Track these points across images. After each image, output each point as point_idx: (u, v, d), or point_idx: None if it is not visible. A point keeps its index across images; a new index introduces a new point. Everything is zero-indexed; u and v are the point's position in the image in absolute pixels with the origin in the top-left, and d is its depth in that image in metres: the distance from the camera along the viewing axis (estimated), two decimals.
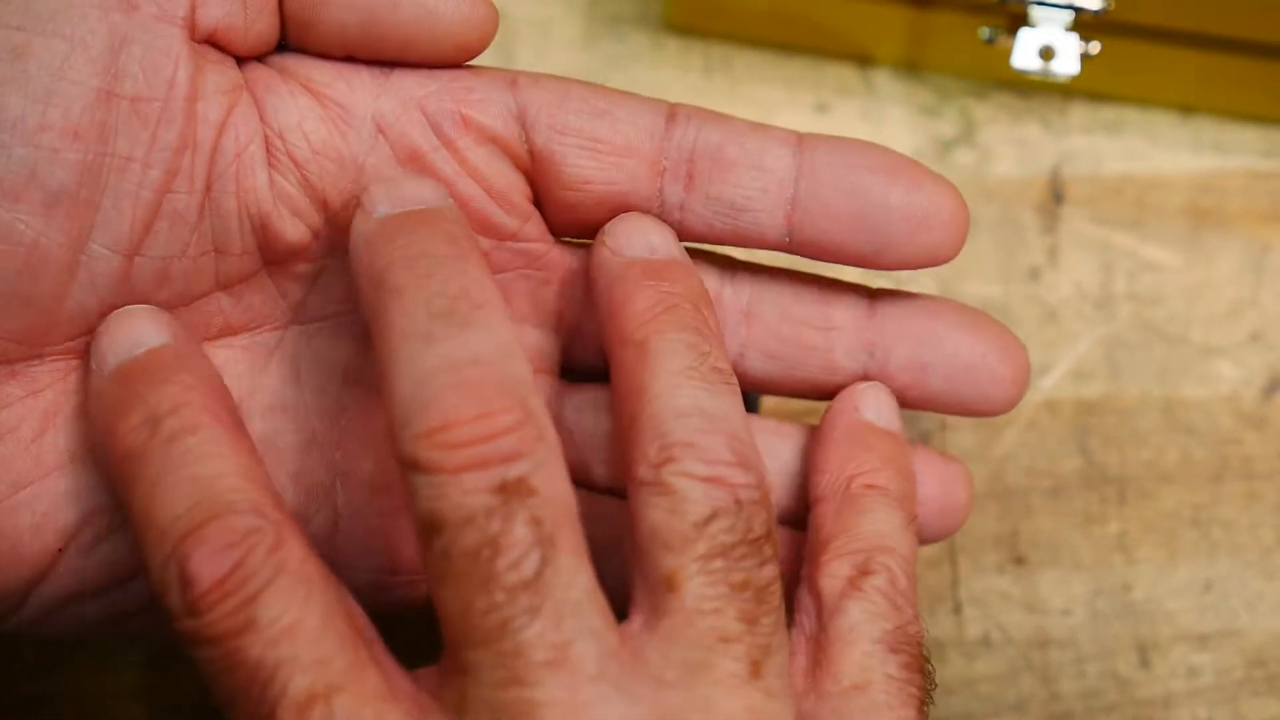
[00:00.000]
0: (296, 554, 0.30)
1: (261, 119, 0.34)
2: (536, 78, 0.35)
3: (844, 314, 0.37)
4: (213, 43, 0.33)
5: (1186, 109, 0.47)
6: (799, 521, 0.37)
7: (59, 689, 0.42)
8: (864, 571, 0.34)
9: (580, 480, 0.36)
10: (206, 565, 0.29)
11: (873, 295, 0.37)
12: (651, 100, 0.36)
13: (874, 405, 0.36)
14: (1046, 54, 0.44)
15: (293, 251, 0.35)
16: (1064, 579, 0.43)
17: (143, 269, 0.33)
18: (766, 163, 0.35)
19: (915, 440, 0.42)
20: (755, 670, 0.30)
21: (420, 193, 0.33)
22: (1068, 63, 0.44)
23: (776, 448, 0.37)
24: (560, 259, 0.36)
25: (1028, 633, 0.43)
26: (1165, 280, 0.46)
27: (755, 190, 0.35)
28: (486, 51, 0.35)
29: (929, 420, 0.45)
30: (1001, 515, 0.44)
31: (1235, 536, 0.44)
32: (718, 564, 0.31)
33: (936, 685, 0.34)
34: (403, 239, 0.31)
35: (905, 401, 0.37)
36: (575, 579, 0.30)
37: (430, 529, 0.29)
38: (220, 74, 0.33)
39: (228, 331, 0.35)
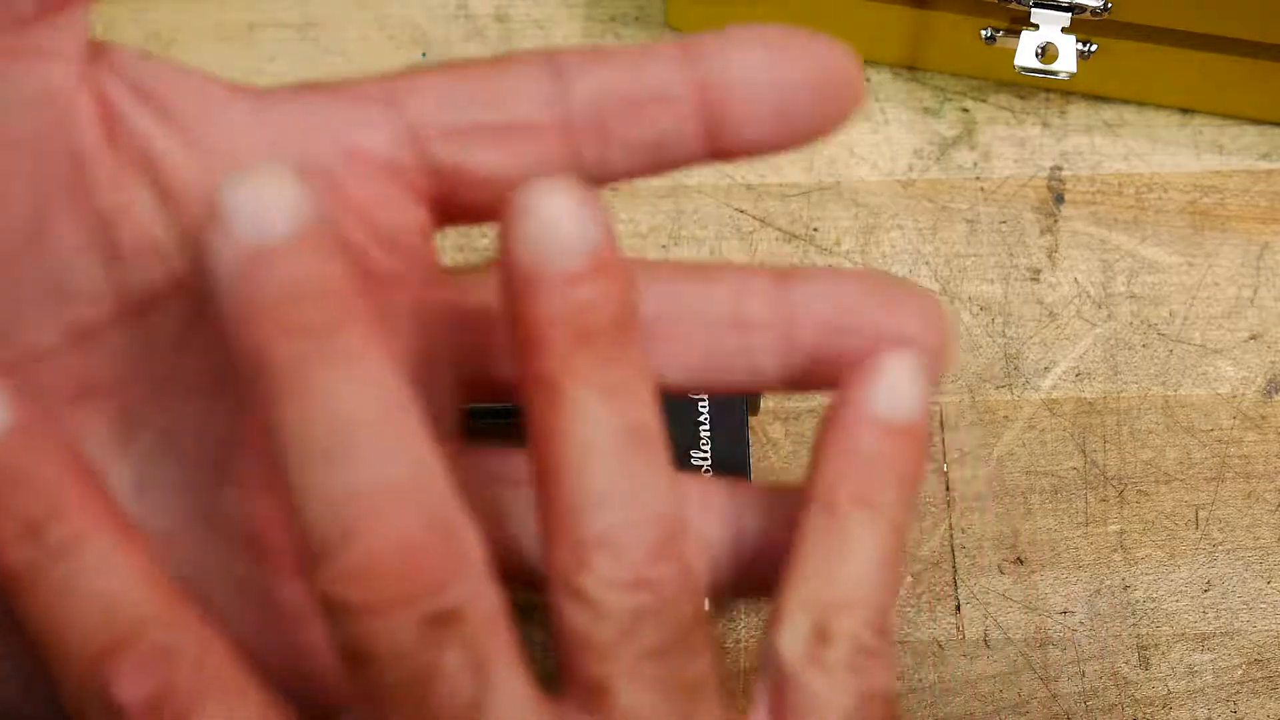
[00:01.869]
0: (223, 661, 0.28)
1: (109, 133, 0.30)
2: (413, 81, 0.32)
3: (758, 307, 0.33)
4: None
5: (1186, 109, 0.47)
6: (742, 588, 0.34)
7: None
8: (824, 637, 0.31)
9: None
10: (129, 690, 0.28)
11: (781, 277, 0.34)
12: (531, 61, 0.32)
13: (888, 390, 0.32)
14: (1046, 54, 0.44)
15: (153, 297, 0.31)
16: (1063, 579, 0.43)
17: None
18: (670, 90, 0.32)
19: None
20: None
21: (289, 204, 0.28)
22: (1067, 62, 0.44)
23: (710, 516, 0.34)
24: (451, 294, 0.34)
25: (1027, 633, 0.43)
26: (1165, 280, 0.46)
27: (669, 121, 0.32)
28: (487, 51, 0.35)
29: (928, 422, 0.45)
30: (1001, 515, 0.44)
31: (1235, 536, 0.44)
32: (648, 669, 0.29)
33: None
34: (280, 295, 0.28)
35: (833, 385, 0.34)
36: (513, 692, 0.28)
37: (357, 662, 0.28)
38: (23, 81, 0.30)
39: (83, 394, 0.32)
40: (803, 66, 0.33)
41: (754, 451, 0.45)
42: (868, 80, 0.47)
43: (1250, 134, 0.47)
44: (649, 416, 0.30)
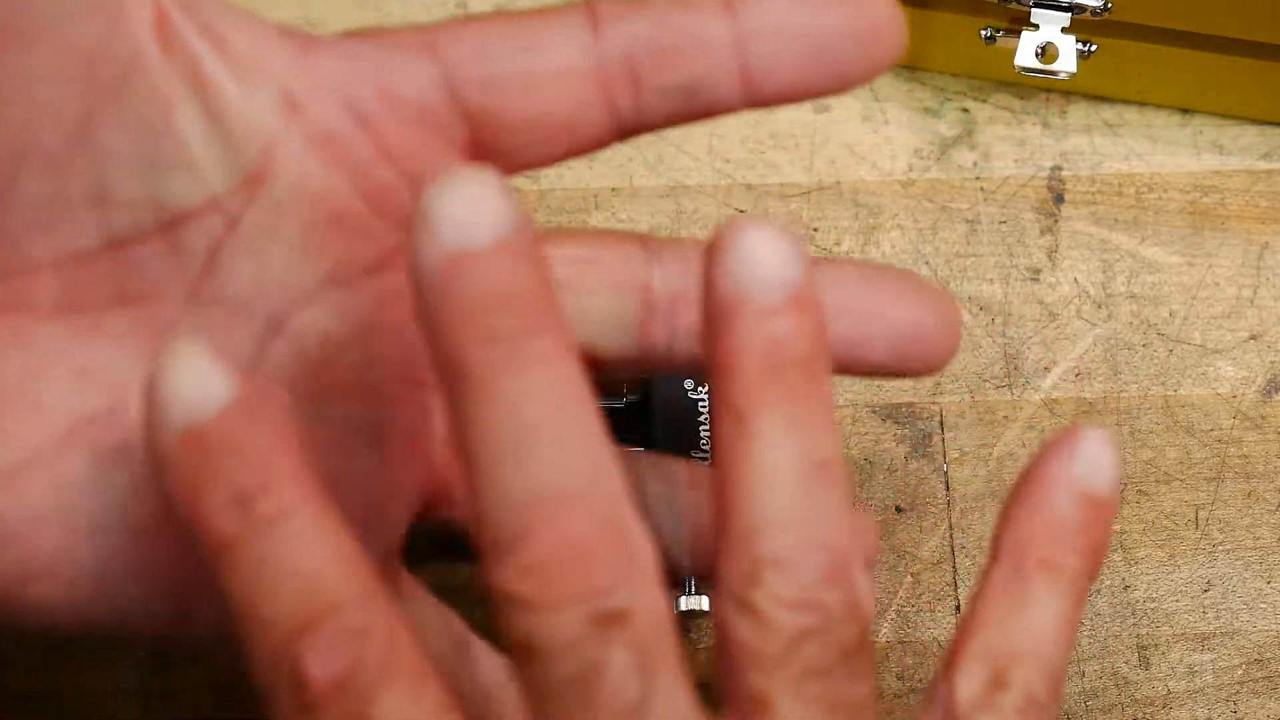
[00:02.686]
0: (408, 649, 0.29)
1: (163, 45, 0.31)
2: (454, 31, 0.33)
3: None
4: None
5: (1186, 109, 0.47)
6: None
7: (59, 689, 0.42)
8: (999, 685, 0.32)
9: None
10: (321, 666, 0.28)
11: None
12: (568, 11, 0.33)
13: (1085, 458, 0.33)
14: (1046, 54, 0.44)
15: (187, 213, 0.32)
16: None
17: (17, 212, 0.31)
18: (704, 35, 0.33)
19: (914, 440, 0.42)
20: None
21: (490, 211, 0.29)
22: (1067, 62, 0.44)
23: None
24: None
25: None
26: (1165, 280, 0.46)
27: (704, 67, 0.33)
28: None
29: (929, 422, 0.45)
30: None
31: (1235, 536, 0.44)
32: (810, 686, 0.30)
33: None
34: (476, 300, 0.29)
35: (842, 370, 0.36)
36: (678, 698, 0.29)
37: (526, 655, 0.29)
38: None
39: (119, 301, 0.33)
40: (841, 12, 0.33)
41: None
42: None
43: (1250, 134, 0.47)
44: (832, 452, 0.31)
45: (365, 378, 0.34)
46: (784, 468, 0.30)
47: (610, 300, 0.35)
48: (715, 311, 0.31)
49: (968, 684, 0.32)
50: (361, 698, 0.28)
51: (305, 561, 0.29)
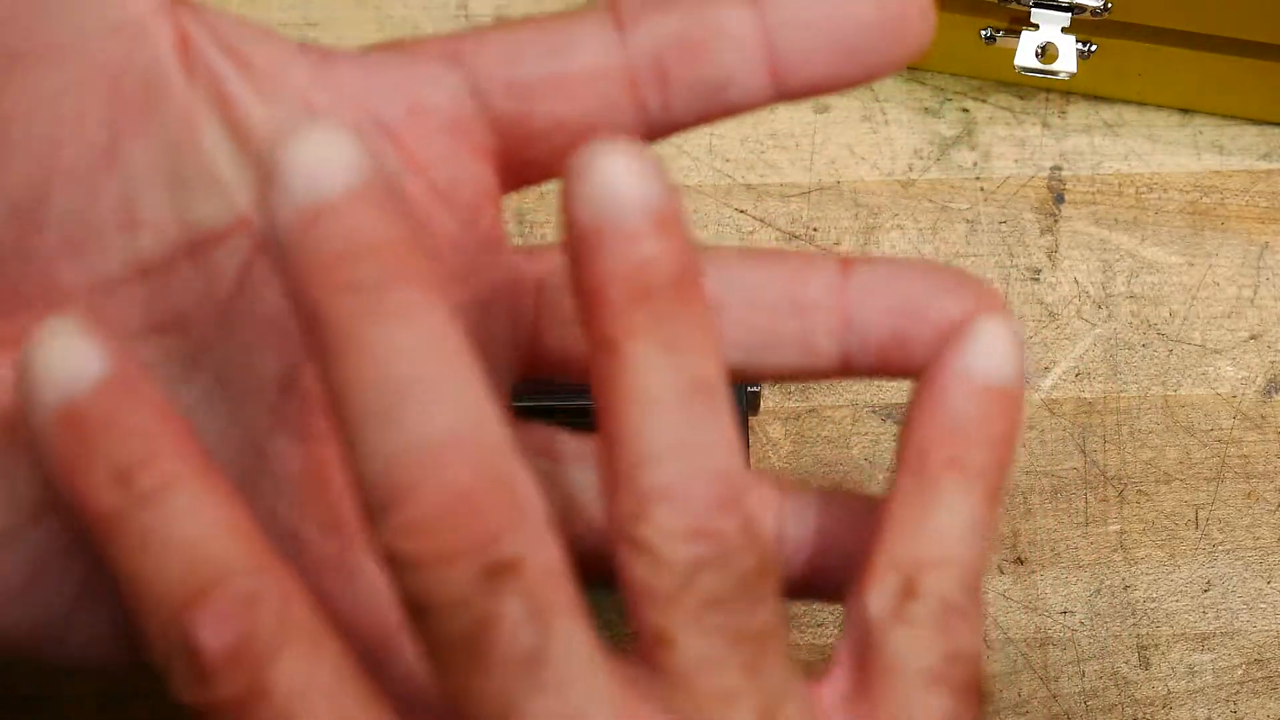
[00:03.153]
0: (303, 611, 0.28)
1: (185, 64, 0.31)
2: (478, 38, 0.33)
3: (818, 291, 0.34)
4: None
5: (1186, 109, 0.47)
6: (811, 591, 0.35)
7: (59, 689, 0.42)
8: (910, 594, 0.31)
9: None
10: (213, 635, 0.28)
11: (844, 264, 0.34)
12: (593, 12, 0.33)
13: (982, 350, 0.32)
14: (1046, 54, 0.44)
15: (215, 234, 0.32)
16: (1064, 579, 0.43)
17: (44, 240, 0.31)
18: (731, 29, 0.33)
19: None
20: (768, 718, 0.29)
21: (344, 160, 0.28)
22: (1067, 62, 0.44)
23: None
24: (517, 262, 0.34)
25: (1027, 632, 0.43)
26: (1165, 280, 0.46)
27: (732, 61, 0.33)
28: None
29: None
30: (1001, 515, 0.44)
31: (1235, 536, 0.44)
32: (711, 618, 0.29)
33: (992, 701, 0.33)
34: (335, 251, 0.28)
35: (889, 371, 0.34)
36: (576, 643, 0.28)
37: (419, 614, 0.28)
38: (106, 7, 0.31)
39: (150, 329, 0.33)
40: (868, 2, 0.33)
41: (754, 451, 0.45)
42: None
43: (1250, 134, 0.47)
44: (711, 371, 0.30)
45: None
46: (661, 392, 0.29)
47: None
48: (576, 241, 0.30)
49: (878, 597, 0.31)
50: (257, 664, 0.28)
51: (190, 531, 0.28)
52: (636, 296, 0.30)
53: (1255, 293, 0.46)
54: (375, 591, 0.33)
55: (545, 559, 0.28)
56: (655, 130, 0.34)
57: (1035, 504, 0.44)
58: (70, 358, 0.29)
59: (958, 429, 0.32)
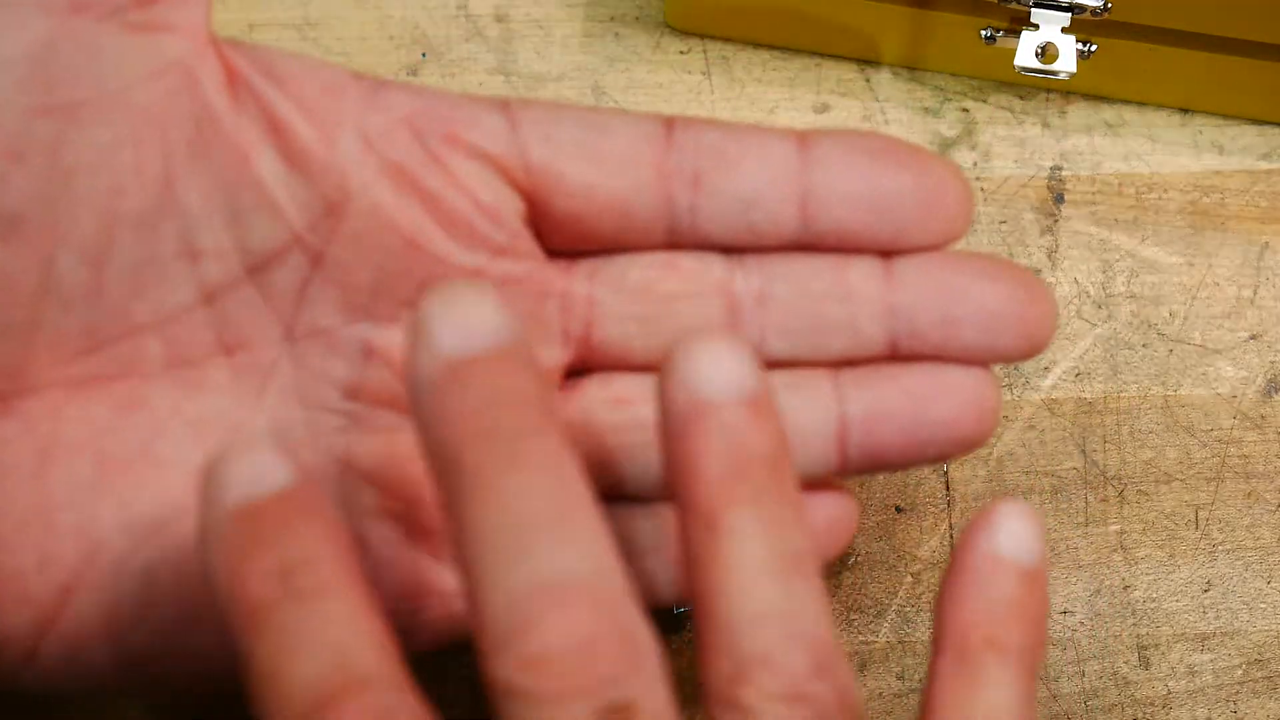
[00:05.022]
0: None
1: (233, 97, 0.33)
2: (527, 101, 0.35)
3: (862, 280, 0.36)
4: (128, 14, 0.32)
5: (1186, 109, 0.47)
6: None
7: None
8: None
9: (607, 484, 0.36)
10: None
11: (887, 257, 0.36)
12: (647, 114, 0.35)
13: (1008, 534, 0.33)
14: (1046, 54, 0.44)
15: (273, 254, 0.34)
16: (1063, 579, 0.43)
17: (115, 280, 0.32)
18: (771, 155, 0.35)
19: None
20: None
21: (488, 320, 0.30)
22: (1067, 62, 0.44)
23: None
24: (556, 276, 0.36)
25: None
26: (1165, 280, 0.46)
27: (764, 182, 0.35)
28: (487, 51, 0.35)
29: None
30: None
31: (1235, 536, 0.44)
32: None
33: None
34: (477, 402, 0.29)
35: (941, 356, 0.36)
36: None
37: None
38: (150, 52, 0.32)
39: (219, 350, 0.34)
40: (904, 174, 0.35)
41: None
42: (866, 81, 0.47)
43: (1250, 134, 0.47)
44: (804, 546, 0.31)
45: None
46: (758, 564, 0.30)
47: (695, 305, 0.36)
48: (674, 422, 0.31)
49: None
50: None
51: (336, 636, 0.29)
52: (735, 474, 0.31)
53: (1255, 293, 0.46)
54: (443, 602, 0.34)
55: (659, 706, 0.29)
56: (679, 235, 0.35)
57: (1035, 504, 0.44)
58: (260, 466, 0.30)
59: (994, 610, 0.33)
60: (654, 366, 0.35)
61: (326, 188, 0.33)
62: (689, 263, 0.36)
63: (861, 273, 0.36)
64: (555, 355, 0.36)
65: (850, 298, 0.35)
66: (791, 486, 0.31)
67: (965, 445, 0.36)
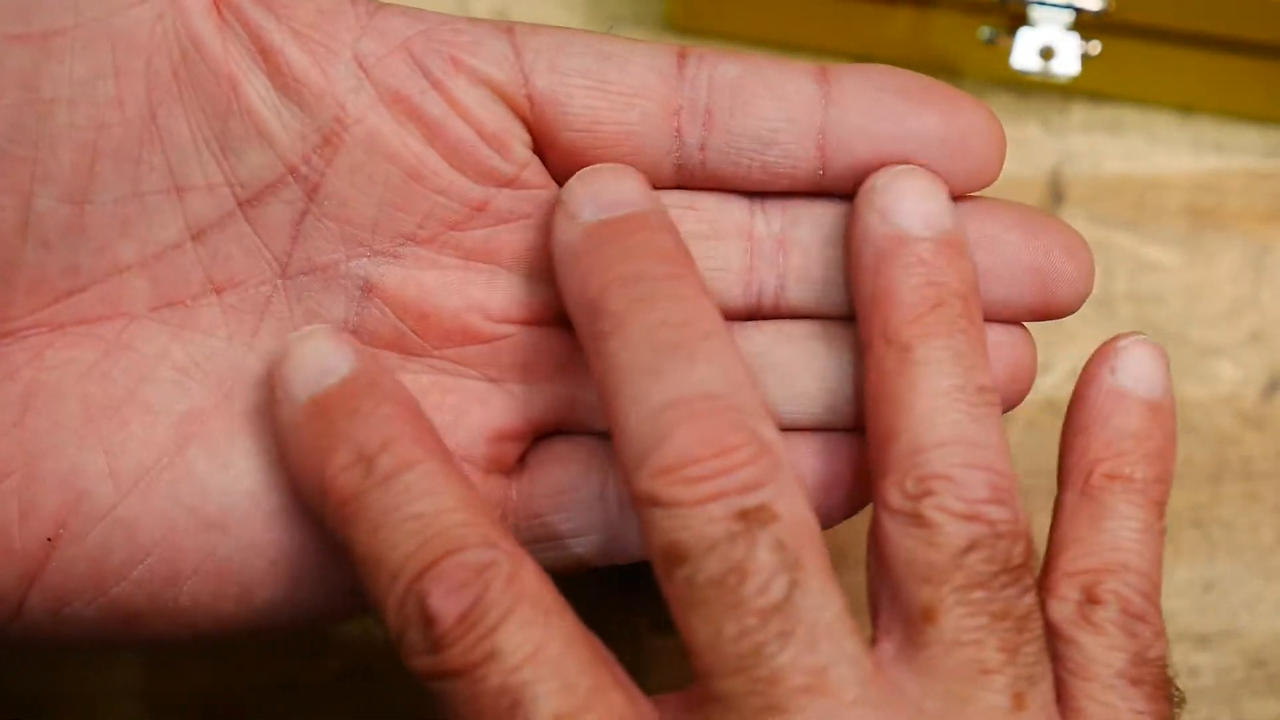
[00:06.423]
0: (533, 582, 0.30)
1: (221, 23, 0.32)
2: (534, 27, 0.33)
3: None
4: None
5: (1186, 109, 0.47)
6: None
7: (59, 689, 0.42)
8: (1092, 600, 0.32)
9: None
10: (448, 602, 0.29)
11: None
12: (660, 44, 0.34)
13: (1133, 367, 0.34)
14: (1046, 54, 0.44)
15: (266, 187, 0.33)
16: None
17: (98, 218, 0.31)
18: (789, 91, 0.33)
19: None
20: (1019, 702, 0.30)
21: (627, 193, 0.32)
22: (1068, 63, 0.44)
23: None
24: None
25: None
26: (1165, 280, 0.46)
27: (781, 120, 0.33)
28: None
29: None
30: None
31: (1235, 536, 0.44)
32: (977, 594, 0.30)
33: (1185, 700, 0.33)
34: (615, 256, 0.31)
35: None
36: (826, 601, 0.29)
37: (671, 560, 0.29)
38: None
39: (210, 289, 0.33)
40: (931, 113, 0.33)
41: None
42: None
43: (1250, 134, 0.47)
44: (989, 383, 0.32)
45: (460, 326, 0.34)
46: (948, 392, 0.31)
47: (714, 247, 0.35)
48: (870, 250, 0.32)
49: (1061, 606, 0.32)
50: (488, 628, 0.29)
51: (426, 508, 0.30)
52: (931, 305, 0.32)
53: (1255, 293, 0.46)
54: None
55: (797, 512, 0.30)
56: (689, 173, 0.34)
57: (1035, 504, 0.44)
58: (320, 358, 0.31)
59: (1119, 444, 0.34)
60: None
61: (322, 117, 0.32)
62: (709, 202, 0.34)
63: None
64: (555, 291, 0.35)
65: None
66: (981, 325, 0.32)
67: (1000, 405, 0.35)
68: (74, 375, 0.32)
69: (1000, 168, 0.34)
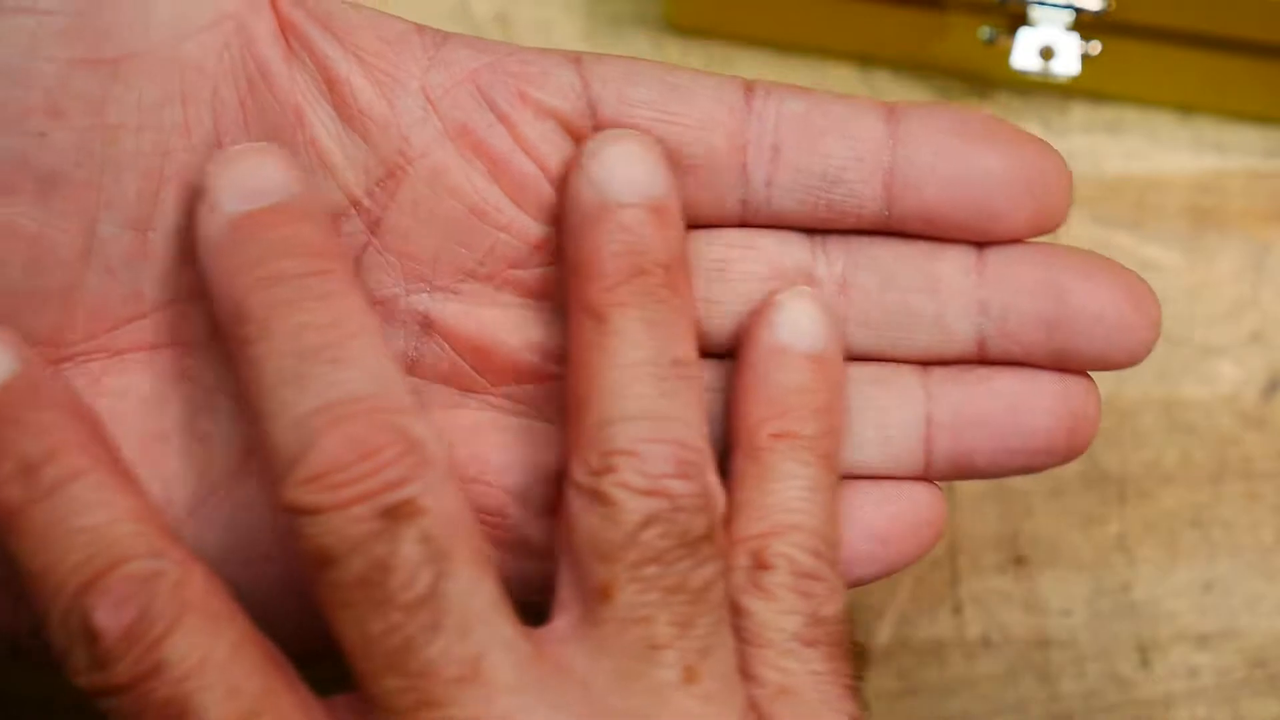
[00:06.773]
0: (200, 589, 0.29)
1: (288, 52, 0.32)
2: (601, 56, 0.33)
3: (952, 272, 0.33)
4: None
5: (1186, 109, 0.47)
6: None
7: (59, 689, 0.42)
8: (761, 565, 0.32)
9: None
10: (112, 616, 0.28)
11: (980, 248, 0.34)
12: (726, 76, 0.33)
13: (792, 322, 0.33)
14: (1046, 54, 0.44)
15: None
16: (1064, 579, 0.43)
17: (161, 245, 0.31)
18: (856, 129, 0.33)
19: None
20: (690, 675, 0.30)
21: (270, 180, 0.30)
22: (1068, 63, 0.44)
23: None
24: None
25: (1028, 633, 0.43)
26: (1165, 280, 0.46)
27: (848, 158, 0.32)
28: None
29: None
30: (1001, 515, 0.44)
31: (1235, 536, 0.44)
32: (650, 570, 0.30)
33: (867, 658, 0.33)
34: (258, 253, 0.30)
35: (1034, 360, 0.33)
36: (476, 589, 0.29)
37: (319, 565, 0.29)
38: (201, 3, 0.31)
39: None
40: (999, 156, 0.33)
41: None
42: (867, 81, 0.47)
43: (1250, 134, 0.47)
44: (687, 354, 0.31)
45: (518, 364, 0.34)
46: (640, 365, 0.31)
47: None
48: (576, 216, 0.31)
49: (735, 575, 0.32)
50: (152, 641, 0.28)
51: (90, 521, 0.29)
52: (629, 273, 0.31)
53: (1255, 293, 0.46)
54: None
55: (448, 505, 0.29)
56: (754, 209, 0.33)
57: (1035, 504, 0.44)
58: None
59: (780, 402, 0.33)
60: (725, 350, 0.34)
61: (386, 150, 0.32)
62: (768, 242, 0.34)
63: (952, 264, 0.33)
64: None
65: (939, 291, 0.33)
66: (686, 298, 0.32)
67: (1058, 458, 0.34)
68: (132, 403, 0.32)
69: (1067, 211, 0.33)
